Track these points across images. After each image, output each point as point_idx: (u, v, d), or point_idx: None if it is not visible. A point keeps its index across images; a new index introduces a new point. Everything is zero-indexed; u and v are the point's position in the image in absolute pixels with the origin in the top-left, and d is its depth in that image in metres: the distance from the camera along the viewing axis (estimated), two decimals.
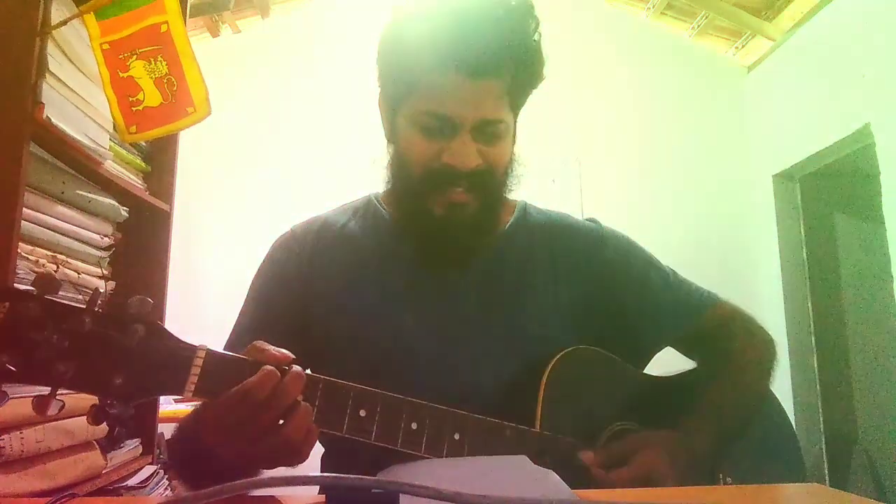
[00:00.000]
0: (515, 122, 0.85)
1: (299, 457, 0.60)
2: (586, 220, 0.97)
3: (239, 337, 0.83)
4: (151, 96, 1.33)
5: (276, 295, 0.86)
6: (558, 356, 0.79)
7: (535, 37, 0.80)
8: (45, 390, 0.54)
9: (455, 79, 0.74)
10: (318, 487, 0.71)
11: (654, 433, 0.77)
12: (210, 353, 0.59)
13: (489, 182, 0.80)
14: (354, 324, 0.83)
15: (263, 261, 0.90)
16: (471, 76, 0.74)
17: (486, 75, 0.75)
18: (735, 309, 0.95)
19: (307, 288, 0.85)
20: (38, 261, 1.23)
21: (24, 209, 1.18)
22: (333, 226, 0.90)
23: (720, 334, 0.92)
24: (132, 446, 1.57)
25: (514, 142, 0.85)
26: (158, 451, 1.76)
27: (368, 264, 0.86)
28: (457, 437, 0.68)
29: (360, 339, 0.82)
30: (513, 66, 0.77)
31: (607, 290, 0.89)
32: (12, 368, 0.52)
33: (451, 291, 0.84)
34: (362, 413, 0.64)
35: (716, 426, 0.81)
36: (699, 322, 0.92)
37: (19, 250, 1.16)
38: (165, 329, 0.58)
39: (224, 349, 0.82)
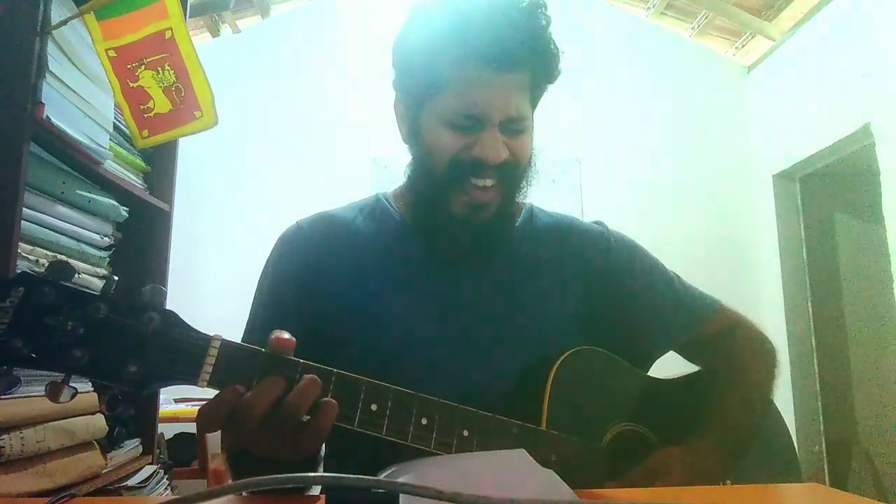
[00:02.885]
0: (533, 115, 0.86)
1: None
2: (593, 222, 0.97)
3: (251, 338, 0.83)
4: (161, 104, 1.37)
5: (285, 291, 0.85)
6: (564, 356, 0.79)
7: (550, 32, 0.81)
8: (58, 376, 0.54)
9: (483, 73, 0.75)
10: (317, 487, 0.72)
11: (672, 455, 0.78)
12: (225, 344, 0.59)
13: (513, 175, 0.81)
14: (362, 320, 0.82)
15: (270, 256, 0.89)
16: (497, 70, 0.75)
17: (511, 69, 0.76)
18: (737, 315, 0.95)
19: (316, 283, 0.84)
20: (38, 261, 1.23)
21: (24, 209, 1.18)
22: (341, 222, 0.90)
23: (723, 341, 0.92)
24: (132, 446, 1.57)
25: (532, 136, 0.86)
26: (158, 451, 1.76)
27: (377, 262, 0.85)
28: (465, 433, 0.69)
29: (367, 337, 0.82)
30: (534, 61, 0.78)
31: (611, 293, 0.89)
32: (32, 354, 0.52)
33: (458, 292, 0.84)
34: (374, 407, 0.64)
35: (730, 442, 0.82)
36: (701, 328, 0.92)
37: (19, 250, 1.16)
38: (180, 318, 0.59)
39: None
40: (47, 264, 0.55)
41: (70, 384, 0.54)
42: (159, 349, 0.56)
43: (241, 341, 0.82)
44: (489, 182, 0.78)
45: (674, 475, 0.75)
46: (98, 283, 1.47)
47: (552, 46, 0.80)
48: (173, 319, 0.58)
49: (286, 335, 0.61)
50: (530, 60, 0.78)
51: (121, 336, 0.55)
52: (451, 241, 0.83)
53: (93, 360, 0.54)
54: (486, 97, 0.76)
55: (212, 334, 0.59)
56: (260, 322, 0.84)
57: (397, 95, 0.86)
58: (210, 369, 0.58)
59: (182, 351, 0.58)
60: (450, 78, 0.77)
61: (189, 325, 0.59)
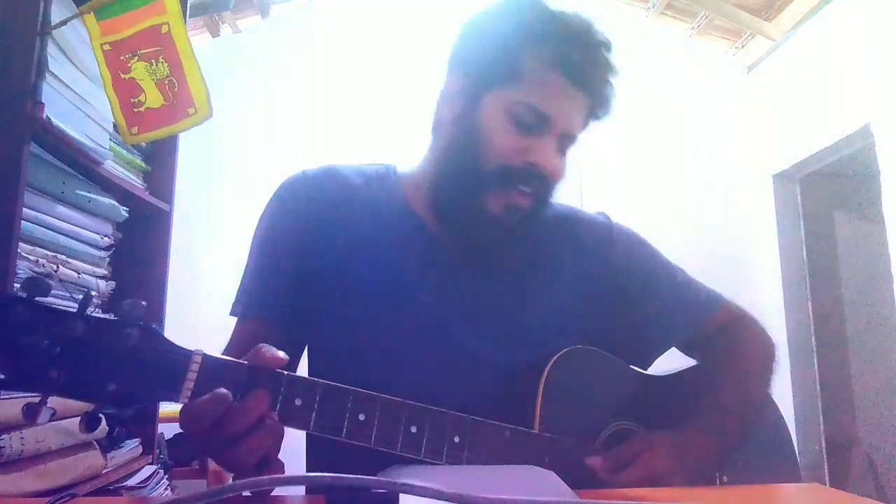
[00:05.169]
0: None
1: (269, 471, 0.58)
2: (597, 213, 0.96)
3: (248, 292, 0.83)
4: (153, 98, 1.33)
5: (281, 240, 0.84)
6: (557, 356, 0.78)
7: (615, 79, 0.83)
8: (35, 396, 0.52)
9: (562, 81, 0.76)
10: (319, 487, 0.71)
11: (658, 434, 0.77)
12: (206, 359, 0.58)
13: (549, 191, 0.82)
14: (356, 290, 0.81)
15: (270, 202, 0.87)
16: (575, 84, 0.77)
17: (584, 88, 0.78)
18: (739, 310, 0.95)
19: (313, 238, 0.83)
20: (38, 261, 1.23)
21: (24, 209, 1.18)
22: (349, 181, 0.87)
23: (724, 336, 0.91)
24: (132, 446, 1.57)
25: None
26: (158, 451, 1.76)
27: (378, 236, 0.83)
28: (456, 439, 0.68)
29: (359, 311, 0.81)
30: (598, 91, 0.80)
31: (613, 286, 0.89)
32: (3, 378, 0.50)
33: (454, 283, 0.83)
34: (361, 417, 0.63)
35: (720, 428, 0.80)
36: (704, 324, 0.91)
37: (19, 250, 1.16)
38: (160, 333, 0.57)
39: (235, 302, 0.84)
40: (23, 280, 0.53)
41: (48, 405, 0.52)
42: (138, 367, 0.55)
43: (236, 300, 0.84)
44: (528, 189, 0.78)
45: (660, 459, 0.73)
46: (98, 283, 1.47)
47: (613, 88, 0.82)
48: (153, 335, 0.56)
49: (279, 353, 0.59)
50: (598, 89, 0.79)
51: (98, 354, 0.53)
52: (472, 240, 0.81)
53: (70, 380, 0.52)
54: (559, 103, 0.77)
55: (193, 349, 0.58)
56: (256, 279, 0.84)
57: (452, 77, 0.83)
58: (192, 386, 0.56)
59: (162, 368, 0.56)
60: (531, 72, 0.77)
61: (169, 341, 0.57)
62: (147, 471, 1.59)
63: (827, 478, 2.91)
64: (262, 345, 0.60)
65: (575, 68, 0.76)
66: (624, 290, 0.89)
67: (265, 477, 0.43)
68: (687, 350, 0.95)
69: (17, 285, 1.12)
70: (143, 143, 1.72)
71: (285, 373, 0.60)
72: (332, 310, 0.82)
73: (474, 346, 0.81)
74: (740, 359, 0.89)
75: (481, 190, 0.78)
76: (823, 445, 2.99)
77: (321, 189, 0.86)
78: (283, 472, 0.59)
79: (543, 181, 0.78)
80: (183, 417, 0.56)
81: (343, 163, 0.91)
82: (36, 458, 1.12)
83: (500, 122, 0.77)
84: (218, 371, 0.58)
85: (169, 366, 0.56)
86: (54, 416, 0.53)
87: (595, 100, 0.80)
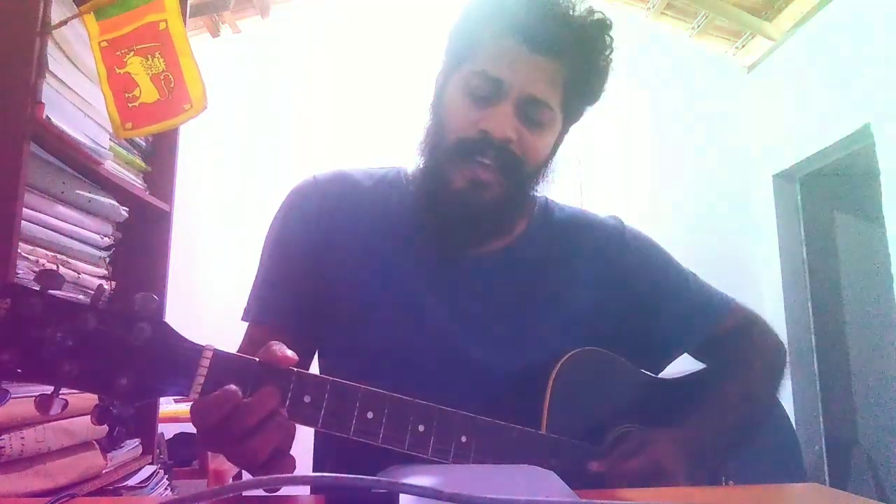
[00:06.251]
0: (563, 131, 0.85)
1: (280, 467, 0.58)
2: (609, 217, 0.95)
3: (260, 297, 0.83)
4: (148, 92, 1.33)
5: (293, 243, 0.84)
6: (566, 357, 0.78)
7: (606, 53, 0.81)
8: (48, 389, 0.53)
9: (514, 46, 0.75)
10: (319, 487, 0.71)
11: (660, 430, 0.77)
12: (217, 354, 0.58)
13: (517, 170, 0.78)
14: (367, 294, 0.81)
15: (281, 206, 0.87)
16: (529, 48, 0.75)
17: (544, 52, 0.75)
18: (751, 314, 0.94)
19: (325, 240, 0.83)
20: (38, 261, 1.23)
21: (24, 209, 1.18)
22: (359, 185, 0.88)
23: (735, 340, 0.91)
24: (132, 446, 1.57)
25: (555, 149, 0.85)
26: (158, 451, 1.76)
27: (389, 236, 0.84)
28: (464, 439, 0.68)
29: (370, 315, 0.81)
30: (573, 59, 0.77)
31: (625, 291, 0.88)
32: (18, 370, 0.51)
33: (465, 282, 0.83)
34: (370, 415, 0.63)
35: (723, 425, 0.80)
36: (715, 328, 0.91)
37: (19, 250, 1.16)
38: (171, 328, 0.57)
39: (247, 307, 0.84)
40: (37, 272, 0.53)
41: (60, 396, 0.53)
42: (150, 361, 0.55)
43: (248, 302, 0.84)
44: (487, 161, 0.76)
45: (661, 452, 0.73)
46: (98, 283, 1.47)
47: (597, 63, 0.80)
48: (164, 329, 0.56)
49: (289, 352, 0.59)
50: (567, 55, 0.77)
51: (111, 348, 0.54)
52: (447, 217, 0.80)
53: (82, 373, 0.52)
54: (510, 69, 0.76)
55: (204, 344, 0.58)
56: (267, 280, 0.84)
57: (442, 63, 0.85)
58: (202, 380, 0.56)
59: (173, 362, 0.56)
60: (485, 46, 0.77)
61: (181, 336, 0.57)
62: (147, 471, 1.59)
63: (827, 478, 2.91)
64: (272, 342, 0.60)
65: (530, 33, 0.75)
66: (635, 295, 0.88)
67: (264, 477, 0.43)
68: (698, 354, 0.94)
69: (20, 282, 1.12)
70: (143, 143, 1.73)
71: (295, 370, 0.60)
72: (343, 313, 0.82)
73: (484, 348, 0.80)
74: (749, 361, 0.89)
75: (446, 167, 0.79)
76: (823, 445, 2.98)
77: (332, 193, 0.86)
78: (295, 467, 0.59)
79: (503, 151, 0.76)
80: (193, 414, 0.57)
81: (352, 166, 0.91)
82: (36, 458, 1.13)
83: (457, 96, 0.79)
84: (228, 367, 0.58)
85: (180, 360, 0.57)
86: (66, 408, 0.53)
87: (566, 69, 0.77)
